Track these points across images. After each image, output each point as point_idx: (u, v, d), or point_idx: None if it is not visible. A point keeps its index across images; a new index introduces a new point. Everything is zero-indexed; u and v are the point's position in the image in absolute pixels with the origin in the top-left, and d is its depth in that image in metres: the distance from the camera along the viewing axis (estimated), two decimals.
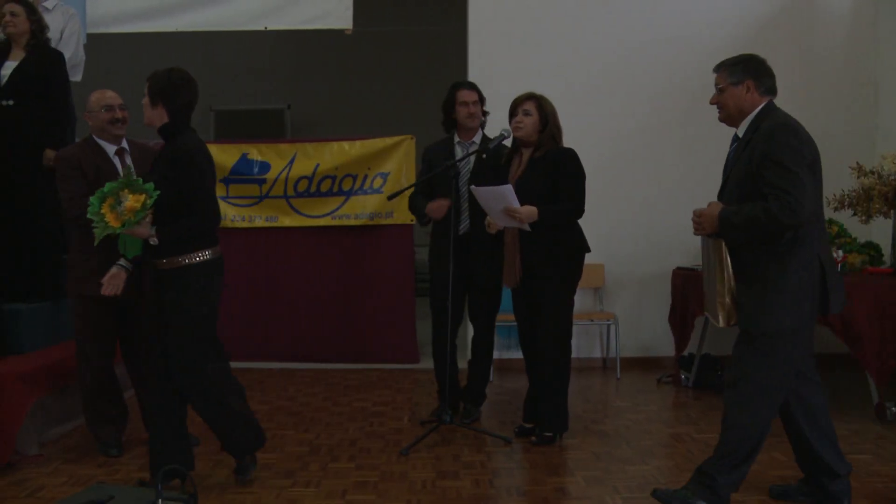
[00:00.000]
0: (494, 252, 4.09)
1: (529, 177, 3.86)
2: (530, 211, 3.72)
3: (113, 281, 3.33)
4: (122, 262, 3.34)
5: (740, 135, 3.00)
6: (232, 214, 6.02)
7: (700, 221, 2.97)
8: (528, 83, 4.19)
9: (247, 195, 6.04)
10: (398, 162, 5.94)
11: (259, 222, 6.05)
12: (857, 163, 4.82)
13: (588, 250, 3.96)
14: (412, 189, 4.44)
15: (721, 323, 2.98)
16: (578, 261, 3.94)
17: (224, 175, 5.96)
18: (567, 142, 3.99)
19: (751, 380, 2.90)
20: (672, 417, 4.58)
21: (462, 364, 4.53)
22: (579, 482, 3.44)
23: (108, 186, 3.11)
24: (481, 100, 4.34)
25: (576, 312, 4.08)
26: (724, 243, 2.94)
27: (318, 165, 5.99)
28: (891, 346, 4.12)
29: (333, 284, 6.02)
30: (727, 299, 2.94)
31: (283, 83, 9.90)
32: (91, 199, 3.14)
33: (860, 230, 5.22)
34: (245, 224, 6.05)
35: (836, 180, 5.01)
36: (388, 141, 5.96)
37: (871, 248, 5.04)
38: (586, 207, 3.89)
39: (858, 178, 4.72)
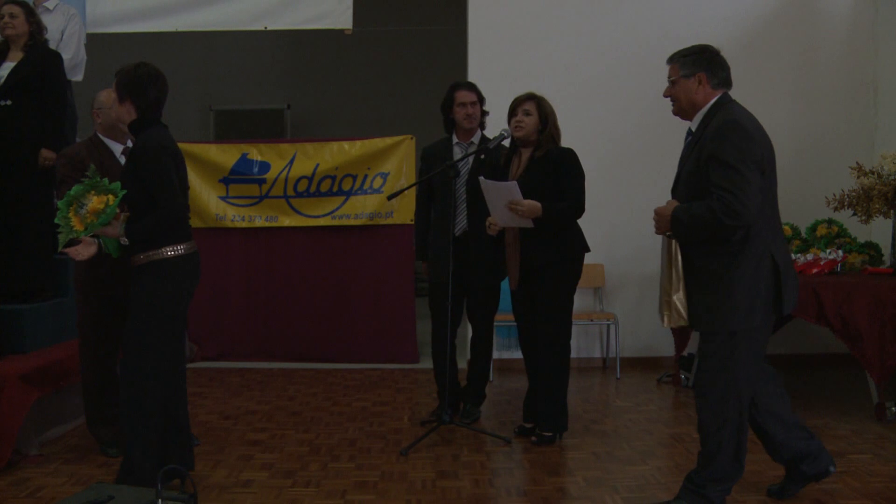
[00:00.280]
0: (493, 252, 4.09)
1: (529, 177, 3.85)
2: (533, 205, 3.70)
3: (81, 249, 3.20)
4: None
5: (693, 129, 2.93)
6: (232, 214, 6.03)
7: (657, 220, 2.92)
8: (527, 83, 4.19)
9: (247, 195, 6.04)
10: (398, 162, 5.94)
11: (259, 222, 6.05)
12: (857, 163, 4.82)
13: (588, 250, 3.96)
14: (412, 188, 4.43)
15: (665, 323, 2.93)
16: (578, 261, 3.94)
17: (224, 175, 5.96)
18: (567, 142, 3.98)
19: (715, 381, 2.86)
20: (672, 417, 4.58)
21: (462, 364, 4.53)
22: (579, 482, 3.44)
23: (74, 189, 3.09)
24: (481, 100, 4.30)
25: (576, 312, 4.08)
26: (673, 242, 2.88)
27: (317, 165, 5.99)
28: (891, 346, 4.12)
29: (333, 284, 6.03)
30: (673, 299, 2.89)
31: (283, 83, 9.89)
32: (59, 203, 3.11)
33: (860, 230, 5.22)
34: (245, 224, 6.05)
35: (836, 180, 5.02)
36: (388, 141, 5.96)
37: (871, 248, 5.05)
38: (586, 207, 3.88)
39: (858, 178, 4.72)
